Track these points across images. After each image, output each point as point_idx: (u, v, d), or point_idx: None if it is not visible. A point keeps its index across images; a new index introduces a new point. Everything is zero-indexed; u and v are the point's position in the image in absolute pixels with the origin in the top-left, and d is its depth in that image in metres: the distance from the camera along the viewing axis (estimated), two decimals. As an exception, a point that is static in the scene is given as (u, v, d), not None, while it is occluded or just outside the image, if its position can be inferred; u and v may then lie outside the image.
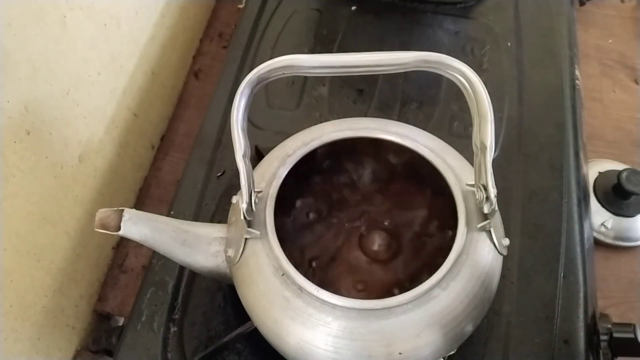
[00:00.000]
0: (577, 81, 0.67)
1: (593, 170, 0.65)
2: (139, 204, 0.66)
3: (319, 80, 0.66)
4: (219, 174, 0.59)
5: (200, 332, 0.51)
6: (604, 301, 0.57)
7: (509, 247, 0.42)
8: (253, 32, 0.70)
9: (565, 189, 0.58)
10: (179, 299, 0.52)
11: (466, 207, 0.41)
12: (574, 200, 0.57)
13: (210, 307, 0.52)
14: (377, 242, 0.51)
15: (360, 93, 0.66)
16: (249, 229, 0.40)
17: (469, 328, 0.40)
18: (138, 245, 0.43)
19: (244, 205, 0.39)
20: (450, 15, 0.72)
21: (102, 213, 0.39)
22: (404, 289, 0.38)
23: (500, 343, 0.50)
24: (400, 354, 0.37)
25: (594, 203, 0.62)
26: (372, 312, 0.37)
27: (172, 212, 0.56)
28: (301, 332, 0.38)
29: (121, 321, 0.59)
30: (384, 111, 0.64)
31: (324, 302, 0.38)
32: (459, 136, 0.62)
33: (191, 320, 0.51)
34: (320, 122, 0.48)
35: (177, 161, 0.68)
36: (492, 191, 0.38)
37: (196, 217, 0.56)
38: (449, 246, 0.40)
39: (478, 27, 0.72)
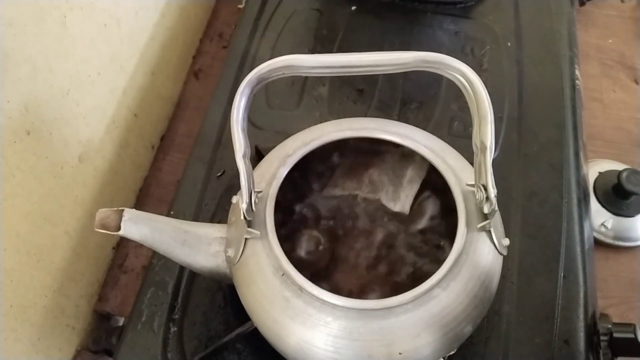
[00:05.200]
0: (577, 81, 0.67)
1: (593, 170, 0.65)
2: (139, 204, 0.66)
3: (319, 80, 0.66)
4: (219, 174, 0.59)
5: (200, 332, 0.51)
6: (604, 301, 0.57)
7: (509, 247, 0.42)
8: (253, 32, 0.70)
9: (565, 189, 0.58)
10: (179, 299, 0.52)
11: (466, 207, 0.41)
12: (574, 200, 0.57)
13: (210, 307, 0.52)
14: (375, 242, 0.51)
15: (360, 93, 0.66)
16: (249, 229, 0.40)
17: (469, 328, 0.40)
18: (138, 245, 0.43)
19: (244, 205, 0.39)
20: (450, 15, 0.72)
21: (102, 213, 0.39)
22: (402, 289, 0.38)
23: (500, 343, 0.50)
24: (400, 354, 0.37)
25: (594, 203, 0.62)
26: (372, 312, 0.37)
27: (172, 212, 0.56)
28: (301, 332, 0.38)
29: (121, 321, 0.59)
30: (384, 111, 0.64)
31: (324, 302, 0.38)
32: (459, 136, 0.62)
33: (191, 320, 0.51)
34: (320, 122, 0.48)
35: (177, 161, 0.68)
36: (492, 191, 0.38)
37: (196, 217, 0.56)
38: (448, 246, 0.40)
39: (478, 27, 0.72)
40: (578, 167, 0.60)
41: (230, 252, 0.41)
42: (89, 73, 0.54)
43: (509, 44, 0.70)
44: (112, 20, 0.57)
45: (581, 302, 0.52)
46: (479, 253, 0.40)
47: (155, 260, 0.54)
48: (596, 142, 0.69)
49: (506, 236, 0.42)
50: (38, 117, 0.47)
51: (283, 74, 0.36)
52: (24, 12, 0.44)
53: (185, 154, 0.64)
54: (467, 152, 0.42)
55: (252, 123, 0.62)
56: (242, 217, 0.39)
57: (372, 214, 0.53)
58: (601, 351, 0.49)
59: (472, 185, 0.41)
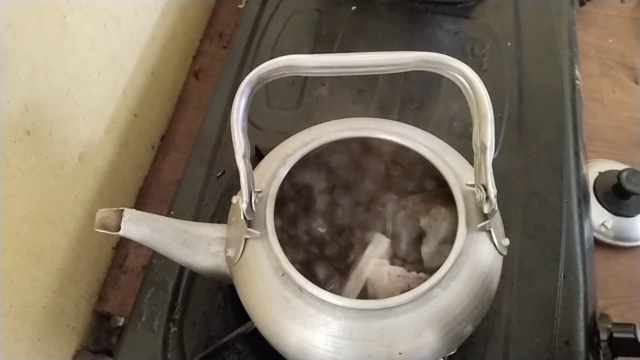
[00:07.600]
0: (577, 81, 0.67)
1: (593, 170, 0.65)
2: (139, 204, 0.66)
3: (319, 80, 0.66)
4: (219, 174, 0.59)
5: (200, 332, 0.51)
6: (604, 301, 0.57)
7: (509, 247, 0.42)
8: (253, 32, 0.70)
9: (565, 189, 0.58)
10: (179, 299, 0.52)
11: (466, 207, 0.41)
12: (574, 200, 0.57)
13: (210, 307, 0.52)
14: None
15: (360, 93, 0.66)
16: (249, 229, 0.40)
17: (469, 328, 0.40)
18: (138, 245, 0.43)
19: (244, 205, 0.39)
20: (450, 15, 0.72)
21: (102, 213, 0.39)
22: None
23: (500, 343, 0.50)
24: (400, 354, 0.37)
25: (594, 203, 0.62)
26: (372, 312, 0.37)
27: (172, 212, 0.57)
28: (301, 332, 0.38)
29: (121, 321, 0.59)
30: (384, 111, 0.64)
31: (324, 302, 0.38)
32: (459, 136, 0.62)
33: (191, 320, 0.51)
34: (320, 122, 0.48)
35: (177, 161, 0.68)
36: (492, 191, 0.38)
37: (196, 217, 0.56)
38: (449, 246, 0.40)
39: (478, 27, 0.72)
40: (578, 167, 0.60)
41: (230, 252, 0.41)
42: (89, 73, 0.54)
43: (509, 44, 0.70)
44: (112, 20, 0.57)
45: (581, 302, 0.52)
46: (479, 253, 0.40)
47: (155, 260, 0.54)
48: (596, 142, 0.69)
49: (506, 236, 0.42)
50: (38, 117, 0.47)
51: (283, 74, 0.36)
52: (24, 12, 0.44)
53: (185, 154, 0.64)
54: (467, 152, 0.42)
55: (252, 123, 0.62)
56: (242, 217, 0.39)
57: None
58: (601, 351, 0.49)
59: (472, 185, 0.41)
